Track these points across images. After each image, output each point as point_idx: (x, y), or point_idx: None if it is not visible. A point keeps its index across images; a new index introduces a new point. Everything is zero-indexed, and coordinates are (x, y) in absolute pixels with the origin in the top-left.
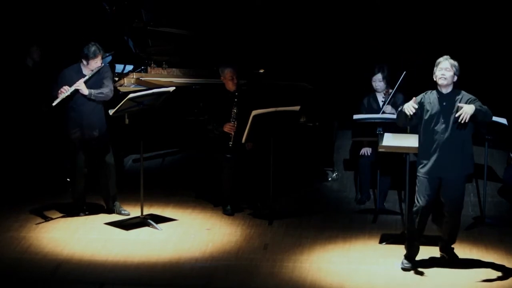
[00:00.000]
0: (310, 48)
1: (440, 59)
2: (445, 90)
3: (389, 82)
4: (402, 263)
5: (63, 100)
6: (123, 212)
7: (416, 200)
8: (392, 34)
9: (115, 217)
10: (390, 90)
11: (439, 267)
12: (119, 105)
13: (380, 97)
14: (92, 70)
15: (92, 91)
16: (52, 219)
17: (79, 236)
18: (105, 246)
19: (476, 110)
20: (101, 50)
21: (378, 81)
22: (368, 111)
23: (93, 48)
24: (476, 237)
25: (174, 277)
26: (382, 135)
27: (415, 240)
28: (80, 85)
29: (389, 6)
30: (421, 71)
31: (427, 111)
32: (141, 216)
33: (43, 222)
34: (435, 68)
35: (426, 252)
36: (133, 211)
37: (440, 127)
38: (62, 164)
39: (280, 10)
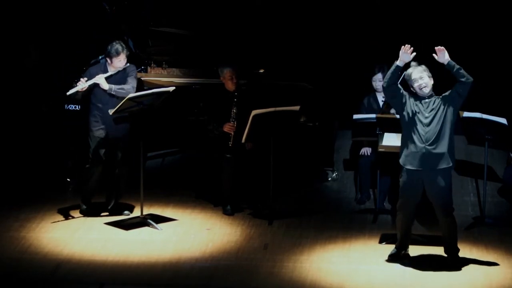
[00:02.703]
0: (310, 48)
1: (409, 71)
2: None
3: None
4: (391, 252)
5: (84, 96)
6: (123, 212)
7: (400, 196)
8: (392, 34)
9: (115, 217)
10: None
11: (439, 267)
12: (119, 105)
13: (380, 97)
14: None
15: (113, 86)
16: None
17: (79, 236)
18: (105, 246)
19: (451, 61)
20: (125, 48)
21: (378, 81)
22: (368, 111)
23: (115, 46)
24: (476, 237)
25: (174, 277)
26: (382, 135)
27: (404, 234)
28: (100, 79)
29: (389, 6)
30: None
31: (409, 104)
32: (141, 216)
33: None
34: (409, 82)
35: (426, 252)
36: (133, 211)
37: (422, 120)
38: (62, 164)
39: (280, 10)
